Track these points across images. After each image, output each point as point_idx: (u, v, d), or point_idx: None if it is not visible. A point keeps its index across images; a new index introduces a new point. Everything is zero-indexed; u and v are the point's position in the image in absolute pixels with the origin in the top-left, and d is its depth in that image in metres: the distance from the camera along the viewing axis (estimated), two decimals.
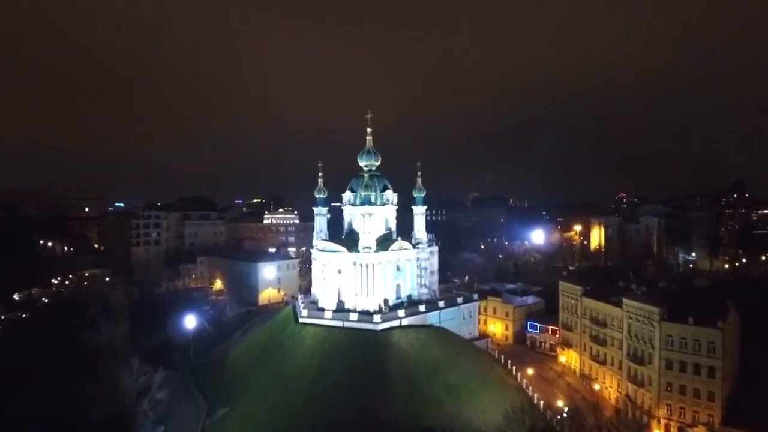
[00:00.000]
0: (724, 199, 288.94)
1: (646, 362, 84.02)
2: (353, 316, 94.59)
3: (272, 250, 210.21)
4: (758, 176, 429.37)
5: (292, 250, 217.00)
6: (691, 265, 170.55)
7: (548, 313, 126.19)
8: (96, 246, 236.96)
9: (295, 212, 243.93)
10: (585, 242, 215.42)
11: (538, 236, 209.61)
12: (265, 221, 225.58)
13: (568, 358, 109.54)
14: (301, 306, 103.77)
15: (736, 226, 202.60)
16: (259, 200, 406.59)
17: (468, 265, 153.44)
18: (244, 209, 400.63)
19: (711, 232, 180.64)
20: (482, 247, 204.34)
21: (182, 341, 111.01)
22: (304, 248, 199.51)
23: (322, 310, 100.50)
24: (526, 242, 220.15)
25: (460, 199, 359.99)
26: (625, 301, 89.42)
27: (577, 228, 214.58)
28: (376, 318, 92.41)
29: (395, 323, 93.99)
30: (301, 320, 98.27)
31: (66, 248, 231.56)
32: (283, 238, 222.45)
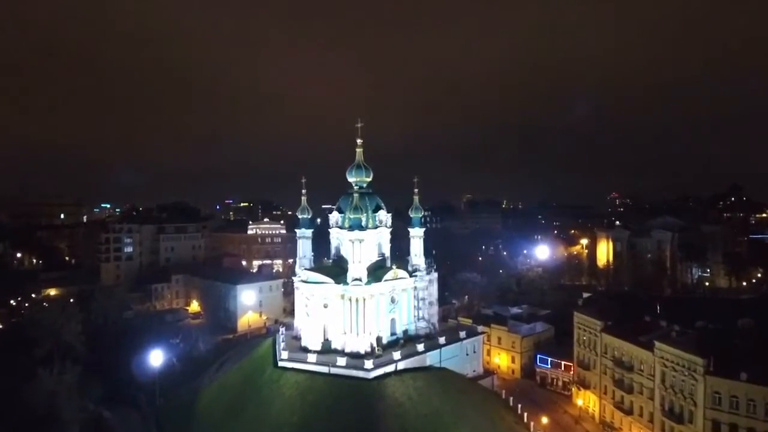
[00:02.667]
0: (721, 203, 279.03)
1: (686, 420, 71.46)
2: (341, 361, 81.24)
3: (257, 263, 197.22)
4: (751, 178, 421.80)
5: (278, 262, 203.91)
6: (707, 283, 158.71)
7: (558, 342, 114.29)
8: (67, 259, 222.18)
9: (282, 221, 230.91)
10: (587, 251, 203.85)
11: (541, 251, 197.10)
12: (250, 232, 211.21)
13: (586, 400, 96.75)
14: (282, 345, 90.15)
15: (734, 230, 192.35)
16: (247, 204, 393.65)
17: (467, 285, 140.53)
18: (230, 212, 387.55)
19: (728, 248, 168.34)
20: (480, 259, 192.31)
21: (148, 378, 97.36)
22: (291, 260, 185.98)
23: (306, 350, 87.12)
24: (525, 251, 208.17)
25: (453, 201, 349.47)
26: (658, 344, 76.71)
27: (584, 242, 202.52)
28: (368, 363, 79.06)
29: (389, 368, 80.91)
30: (281, 363, 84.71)
31: (34, 261, 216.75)
32: (269, 249, 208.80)
